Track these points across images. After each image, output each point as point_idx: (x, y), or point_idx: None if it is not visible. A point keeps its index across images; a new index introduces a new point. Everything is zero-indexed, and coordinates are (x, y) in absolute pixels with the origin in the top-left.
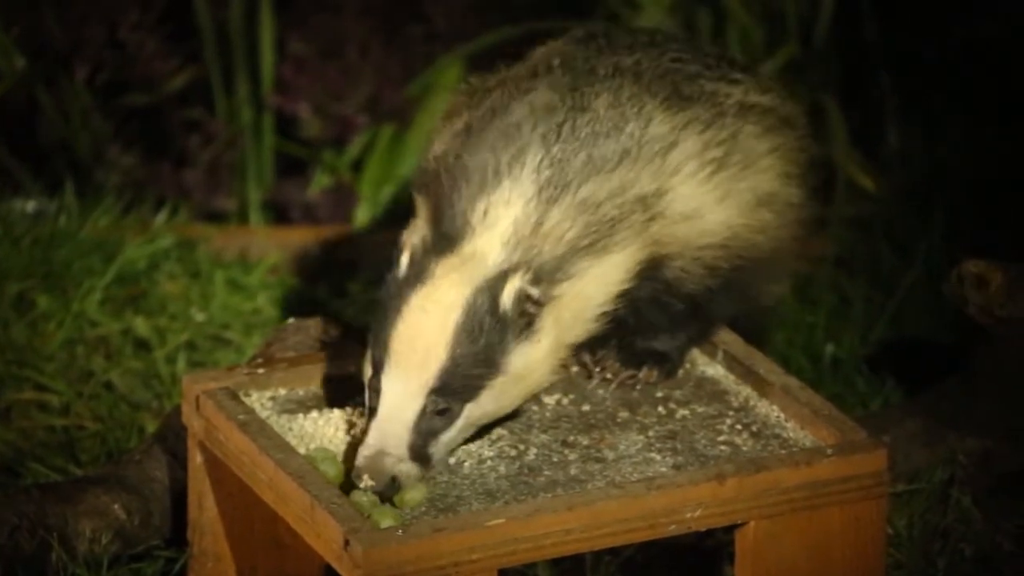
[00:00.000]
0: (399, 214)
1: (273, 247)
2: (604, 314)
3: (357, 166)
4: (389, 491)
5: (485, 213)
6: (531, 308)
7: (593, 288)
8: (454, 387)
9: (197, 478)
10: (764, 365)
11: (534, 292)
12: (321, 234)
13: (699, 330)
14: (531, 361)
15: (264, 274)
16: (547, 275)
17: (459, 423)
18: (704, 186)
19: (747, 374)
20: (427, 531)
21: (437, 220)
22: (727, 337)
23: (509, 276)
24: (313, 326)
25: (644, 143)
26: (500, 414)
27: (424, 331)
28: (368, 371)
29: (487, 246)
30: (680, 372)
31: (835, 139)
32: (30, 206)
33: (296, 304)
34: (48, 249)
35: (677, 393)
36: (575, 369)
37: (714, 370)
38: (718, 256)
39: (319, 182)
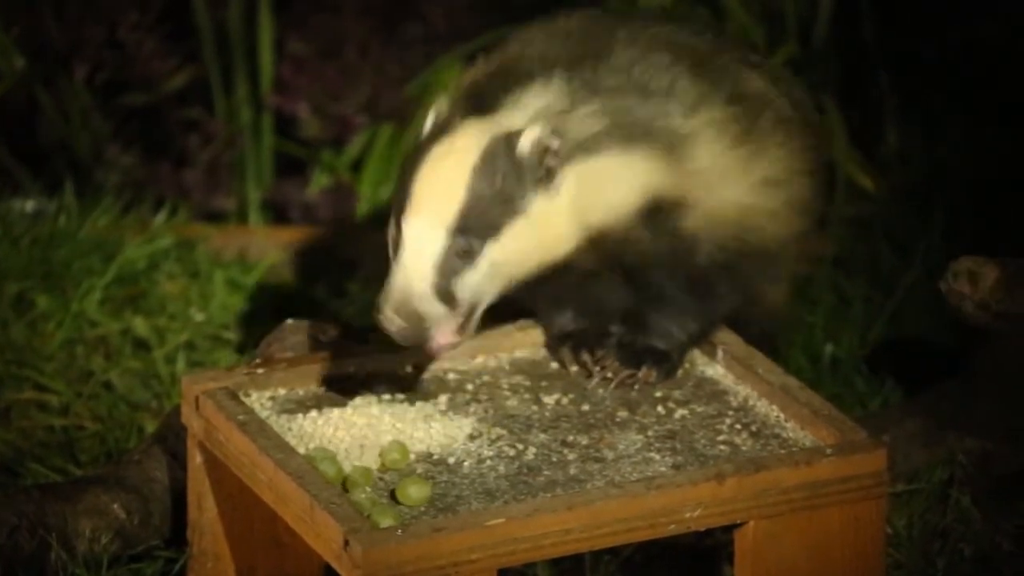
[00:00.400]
0: None
1: (272, 247)
2: (623, 214)
3: (356, 166)
4: (421, 332)
5: (517, 99)
6: (551, 160)
7: (617, 173)
8: (474, 224)
9: (197, 478)
10: (763, 365)
11: (554, 143)
12: (320, 234)
13: (699, 324)
14: (551, 211)
15: (263, 274)
16: (571, 142)
17: (483, 264)
18: (723, 155)
19: (746, 374)
20: (426, 531)
21: (469, 101)
22: (727, 337)
23: (529, 127)
24: (312, 326)
25: (676, 90)
26: (523, 268)
27: (444, 174)
28: (391, 231)
29: (515, 117)
30: (679, 372)
31: (834, 139)
32: (29, 206)
33: (295, 304)
34: (47, 249)
35: (676, 393)
36: (574, 369)
37: (713, 370)
38: (728, 231)
39: (318, 182)
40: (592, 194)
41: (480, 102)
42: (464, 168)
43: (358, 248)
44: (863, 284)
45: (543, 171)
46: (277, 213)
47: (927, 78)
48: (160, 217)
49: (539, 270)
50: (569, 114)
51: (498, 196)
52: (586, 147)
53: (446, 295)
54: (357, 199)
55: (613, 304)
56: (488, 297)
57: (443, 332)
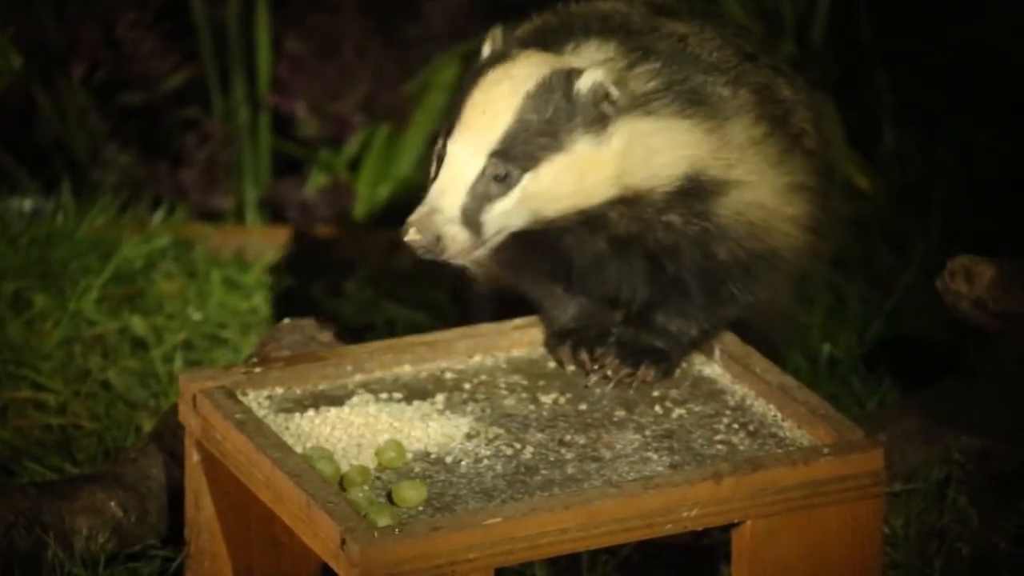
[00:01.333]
0: (396, 213)
1: (270, 246)
2: (665, 179)
3: (354, 165)
4: (434, 249)
5: (577, 48)
6: (607, 108)
7: (666, 141)
8: (515, 152)
9: (194, 476)
10: (760, 364)
11: (614, 91)
12: (318, 233)
13: (702, 329)
14: (598, 155)
15: (261, 273)
16: (631, 95)
17: (516, 193)
18: (758, 142)
19: (744, 373)
20: (424, 530)
21: (526, 39)
22: (724, 336)
23: (590, 69)
24: (309, 325)
25: (720, 68)
26: (556, 206)
27: (496, 98)
28: (439, 144)
29: (575, 61)
30: (677, 371)
31: (832, 140)
32: (27, 205)
33: (292, 303)
34: (45, 248)
35: (674, 392)
36: (572, 368)
37: (711, 369)
38: (753, 229)
39: (316, 181)
40: (642, 154)
41: (540, 43)
42: (516, 94)
43: (355, 248)
44: (860, 284)
45: (597, 114)
46: (274, 212)
47: (924, 78)
48: (157, 216)
49: (567, 215)
50: (629, 71)
51: (545, 128)
52: (643, 104)
53: (473, 220)
54: (354, 198)
55: (623, 293)
56: (512, 227)
57: (457, 250)
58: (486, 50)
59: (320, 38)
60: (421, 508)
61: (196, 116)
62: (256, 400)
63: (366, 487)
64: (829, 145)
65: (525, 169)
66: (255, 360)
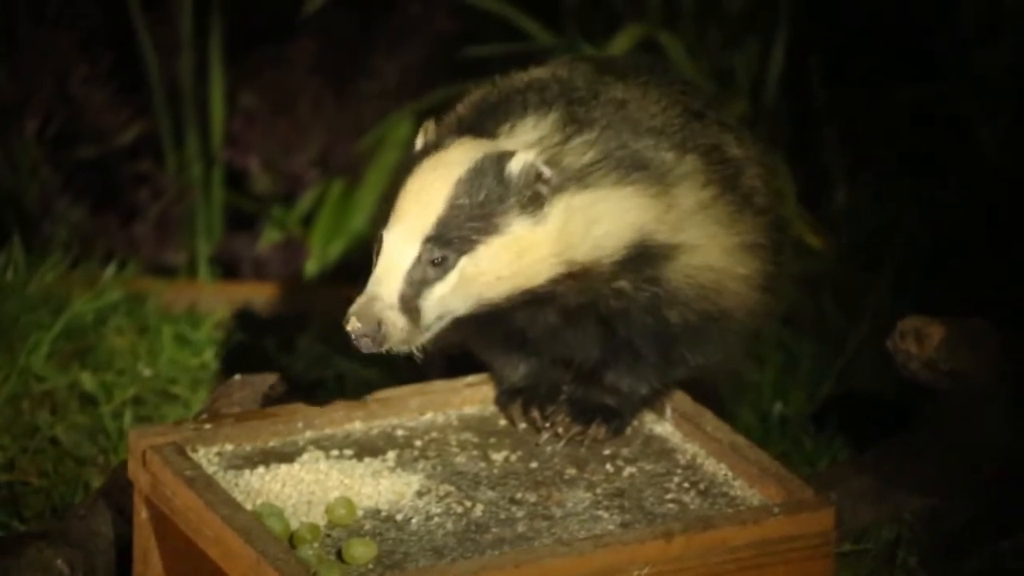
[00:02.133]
0: (349, 269)
1: (222, 302)
2: (611, 250)
3: (307, 221)
4: (376, 337)
5: (512, 127)
6: (542, 187)
7: (607, 209)
8: (450, 236)
9: (143, 533)
10: (712, 423)
11: (546, 171)
12: (270, 289)
13: (652, 388)
14: (534, 236)
15: (212, 329)
16: (566, 171)
17: (453, 277)
18: (707, 205)
19: (695, 432)
20: None
21: (459, 124)
22: (675, 395)
23: (521, 151)
24: (260, 381)
25: (666, 131)
26: (494, 291)
27: (428, 184)
28: (376, 240)
29: (509, 143)
30: (628, 430)
31: (784, 197)
32: None
33: (244, 359)
34: None
35: (625, 451)
36: (523, 425)
37: (662, 427)
38: (701, 291)
39: (269, 237)
40: (584, 229)
41: (473, 127)
42: (449, 180)
43: (308, 303)
44: (811, 342)
45: (531, 195)
46: (227, 268)
47: (876, 137)
48: (109, 271)
49: (513, 296)
50: (564, 145)
51: (479, 211)
52: (580, 179)
53: (412, 307)
54: (307, 254)
55: (576, 356)
56: (454, 313)
57: (398, 337)
58: (419, 142)
59: (274, 93)
60: (371, 566)
61: (149, 170)
62: (206, 457)
63: (316, 544)
64: (781, 199)
65: (461, 253)
66: (205, 416)
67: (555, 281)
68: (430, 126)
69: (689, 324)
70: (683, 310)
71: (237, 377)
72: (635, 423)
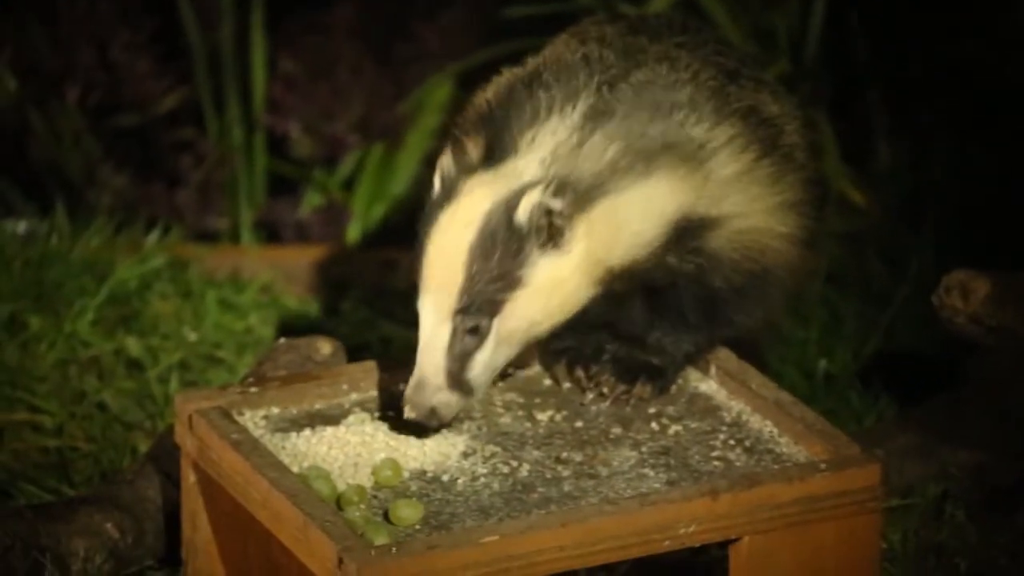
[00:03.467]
0: (391, 232)
1: (265, 266)
2: (647, 244)
3: (348, 185)
4: (431, 421)
5: (532, 140)
6: (557, 220)
7: (633, 208)
8: (476, 304)
9: (190, 497)
10: (757, 380)
11: (555, 204)
12: (313, 253)
13: (698, 347)
14: (560, 273)
15: (256, 293)
16: (579, 188)
17: (490, 341)
18: (748, 170)
19: (740, 389)
20: (421, 548)
21: (487, 143)
22: (720, 352)
23: (528, 191)
24: (305, 345)
25: (697, 103)
26: (536, 331)
27: (446, 252)
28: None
29: (524, 164)
30: (673, 388)
31: (826, 155)
32: (21, 227)
33: (288, 323)
34: (40, 270)
35: (670, 409)
36: (568, 385)
37: (707, 386)
38: (747, 252)
39: (310, 201)
40: (613, 235)
41: (488, 144)
42: (463, 245)
43: (350, 267)
44: (856, 299)
45: (547, 234)
46: (269, 233)
47: (917, 94)
48: (152, 237)
49: (554, 327)
50: (580, 149)
51: (498, 271)
52: (600, 185)
53: (460, 381)
54: (349, 218)
55: (622, 323)
56: (502, 365)
57: (452, 414)
58: (436, 182)
59: (314, 58)
60: (418, 527)
61: (191, 137)
62: (252, 420)
63: (363, 506)
64: (819, 153)
65: (492, 315)
66: (251, 380)
67: (599, 293)
68: (445, 161)
69: (734, 286)
70: (728, 274)
71: (282, 341)
72: (680, 381)
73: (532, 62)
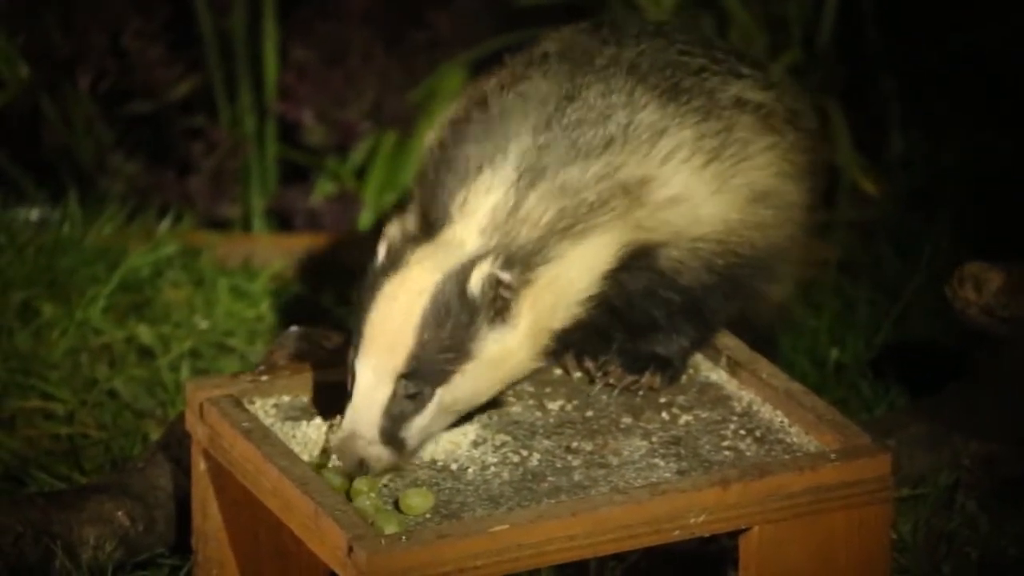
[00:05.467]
0: None
1: (277, 254)
2: (589, 299)
3: (361, 173)
4: (357, 472)
5: (465, 201)
6: (504, 292)
7: (574, 271)
8: (423, 372)
9: (201, 485)
10: (767, 370)
11: (505, 277)
12: (325, 241)
13: (698, 333)
14: (507, 346)
15: (268, 281)
16: (523, 259)
17: (431, 408)
18: (697, 175)
19: (750, 379)
20: (431, 537)
21: (422, 210)
22: (730, 342)
23: (478, 262)
24: (316, 333)
25: (632, 130)
26: (478, 400)
27: (393, 317)
28: (351, 355)
29: (464, 233)
30: (683, 377)
31: (838, 143)
32: (34, 214)
33: (299, 311)
34: (52, 257)
35: (680, 398)
36: (578, 375)
37: (717, 375)
38: (714, 251)
39: (322, 189)
40: (556, 301)
41: (433, 213)
42: (413, 312)
43: (362, 255)
44: (868, 288)
45: (496, 307)
46: (281, 221)
47: (931, 82)
48: (164, 225)
49: (497, 394)
50: (516, 213)
51: (448, 342)
52: (541, 251)
53: (394, 440)
54: (361, 206)
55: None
56: (440, 430)
57: (383, 468)
58: (381, 252)
59: (326, 46)
60: (428, 515)
61: (203, 124)
62: (263, 408)
63: (373, 495)
64: (806, 115)
65: (436, 385)
66: (262, 368)
67: (544, 352)
68: (391, 230)
69: (706, 284)
70: (698, 274)
71: (293, 329)
72: (690, 371)
73: (476, 92)
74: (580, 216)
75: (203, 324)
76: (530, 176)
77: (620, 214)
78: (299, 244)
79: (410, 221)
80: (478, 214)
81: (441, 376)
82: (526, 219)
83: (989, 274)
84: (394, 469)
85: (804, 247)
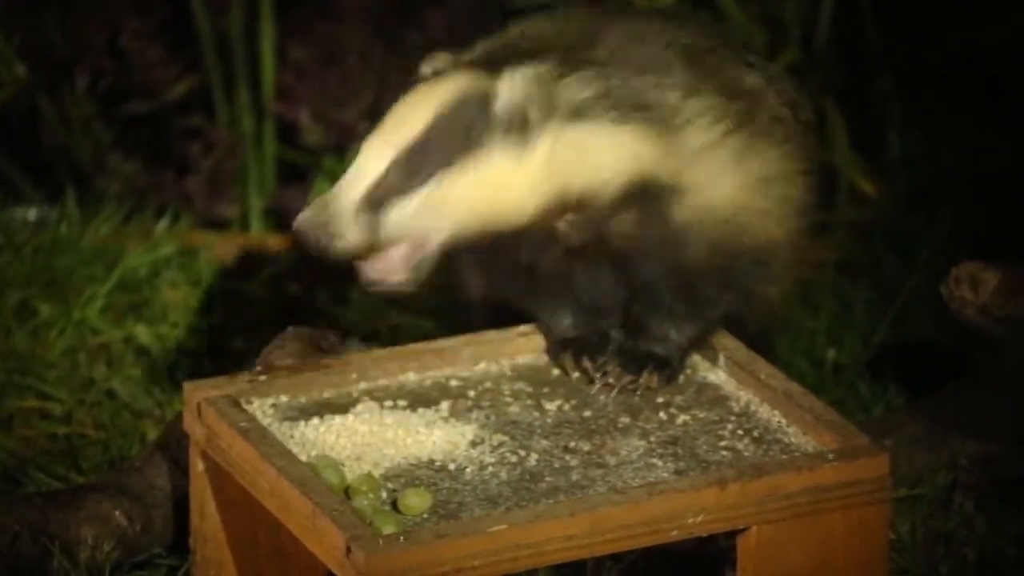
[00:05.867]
0: None
1: (274, 254)
2: (605, 184)
3: None
4: (324, 235)
5: (511, 67)
6: (531, 112)
7: (602, 144)
8: (427, 153)
9: (199, 485)
10: (765, 370)
11: (534, 95)
12: None
13: (696, 329)
14: (517, 164)
15: (265, 282)
16: (557, 104)
17: (419, 195)
18: (718, 144)
19: (748, 379)
20: (429, 537)
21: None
22: (728, 342)
23: (510, 76)
24: (313, 333)
25: (673, 71)
26: (463, 221)
27: (416, 105)
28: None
29: (504, 77)
30: (681, 377)
31: (836, 143)
32: (31, 214)
33: (297, 311)
34: (50, 257)
35: (678, 398)
36: (576, 375)
37: (715, 375)
38: (718, 227)
39: (320, 189)
40: (575, 161)
41: (474, 64)
42: (435, 104)
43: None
44: (865, 289)
45: (517, 121)
46: (279, 221)
47: (929, 82)
48: (162, 225)
49: (494, 230)
50: (559, 81)
51: (461, 134)
52: (574, 111)
53: (371, 215)
54: None
55: (610, 302)
56: (421, 238)
57: (386, 262)
58: (424, 68)
59: (324, 46)
60: (426, 515)
61: (200, 124)
62: (261, 408)
63: (371, 495)
64: (811, 125)
65: (435, 172)
66: (260, 368)
67: (547, 214)
68: (440, 55)
69: (708, 265)
70: (698, 250)
71: (291, 329)
72: (689, 371)
73: (505, 33)
74: (619, 107)
75: (201, 324)
76: (572, 63)
77: (655, 124)
78: (297, 244)
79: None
80: (520, 72)
81: (442, 165)
82: (568, 86)
83: (985, 274)
84: (360, 250)
85: (800, 250)
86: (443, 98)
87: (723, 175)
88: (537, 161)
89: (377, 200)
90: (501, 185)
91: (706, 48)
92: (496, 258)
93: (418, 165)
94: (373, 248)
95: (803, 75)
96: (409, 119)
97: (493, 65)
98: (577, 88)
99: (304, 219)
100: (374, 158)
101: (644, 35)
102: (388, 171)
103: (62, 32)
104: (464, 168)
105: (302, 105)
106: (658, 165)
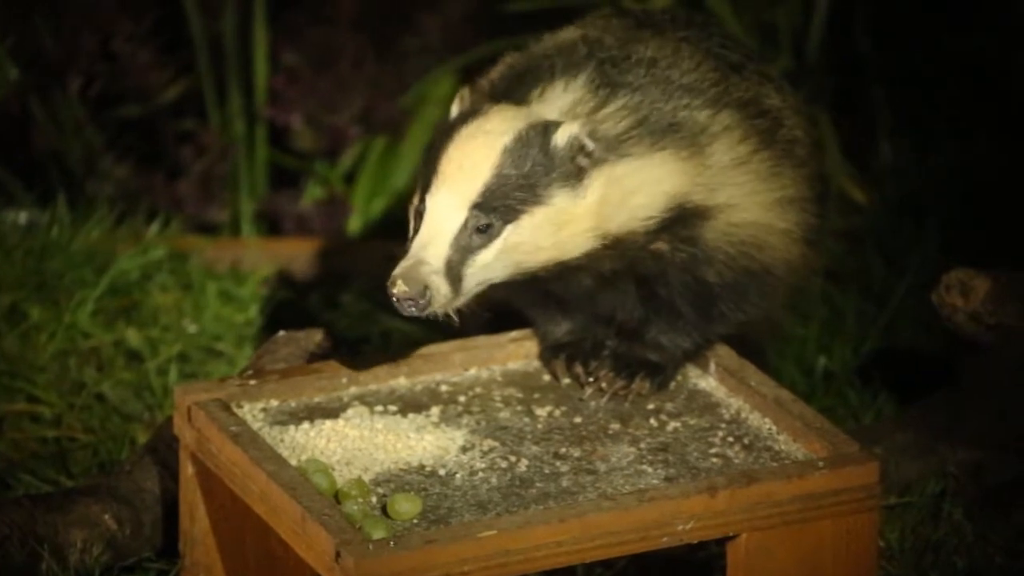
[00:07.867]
0: (392, 226)
1: (265, 259)
2: (646, 218)
3: (350, 178)
4: (420, 302)
5: (542, 94)
6: (583, 160)
7: (642, 179)
8: (496, 204)
9: (188, 489)
10: (756, 378)
11: (589, 144)
12: (313, 246)
13: (695, 343)
14: (573, 209)
15: (256, 286)
16: (604, 142)
17: (497, 244)
18: (744, 161)
19: (739, 386)
20: (418, 543)
21: (492, 90)
22: (719, 349)
23: (566, 122)
24: (304, 338)
25: (702, 86)
26: (533, 258)
27: (473, 152)
28: (415, 201)
29: (543, 110)
30: (672, 384)
31: (827, 152)
32: (22, 217)
33: (288, 316)
34: (40, 260)
35: (669, 405)
36: (567, 381)
37: (706, 382)
38: (742, 246)
39: (312, 194)
40: (619, 199)
41: (506, 93)
42: (494, 148)
43: (351, 260)
44: (856, 297)
45: (573, 168)
46: (270, 225)
47: (920, 91)
48: (153, 229)
49: (549, 266)
50: (599, 111)
51: (524, 181)
52: (617, 148)
53: (455, 274)
54: (350, 211)
55: (617, 315)
56: (493, 280)
57: (441, 302)
58: (455, 109)
59: (316, 51)
60: (416, 521)
61: (192, 128)
62: (251, 412)
63: (361, 500)
64: (821, 149)
65: (506, 221)
66: (250, 372)
67: (591, 253)
68: (465, 92)
69: (728, 281)
70: (721, 268)
71: (281, 333)
72: (679, 378)
73: (530, 48)
74: (653, 133)
75: (191, 328)
76: (611, 88)
77: (684, 155)
78: (288, 248)
79: (483, 88)
80: (559, 102)
81: (512, 213)
82: (607, 119)
83: (975, 281)
84: (447, 308)
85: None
86: (502, 143)
87: (751, 193)
88: (588, 204)
89: (459, 258)
90: (562, 229)
91: (733, 64)
92: (519, 283)
93: (489, 217)
94: (455, 302)
95: (795, 83)
96: (471, 169)
97: (524, 91)
98: (615, 120)
99: (399, 289)
100: (447, 214)
101: (676, 53)
102: (464, 227)
103: (54, 36)
104: (531, 218)
105: (294, 110)
106: (692, 187)
